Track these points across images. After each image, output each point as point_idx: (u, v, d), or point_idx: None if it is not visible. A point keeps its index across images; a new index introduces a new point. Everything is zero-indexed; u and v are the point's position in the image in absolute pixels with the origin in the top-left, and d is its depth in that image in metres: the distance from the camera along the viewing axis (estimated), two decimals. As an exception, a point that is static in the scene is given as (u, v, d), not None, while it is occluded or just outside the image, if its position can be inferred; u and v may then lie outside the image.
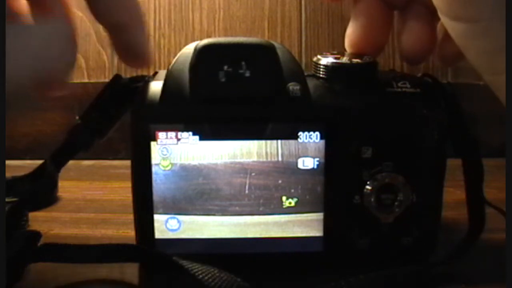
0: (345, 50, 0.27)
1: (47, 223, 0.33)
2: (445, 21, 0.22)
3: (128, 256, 0.26)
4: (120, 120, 0.29)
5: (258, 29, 0.46)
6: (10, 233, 0.25)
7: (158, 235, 0.26)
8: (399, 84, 0.26)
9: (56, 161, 0.28)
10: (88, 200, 0.37)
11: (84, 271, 0.26)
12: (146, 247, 0.26)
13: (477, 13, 0.21)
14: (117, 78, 0.28)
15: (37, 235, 0.26)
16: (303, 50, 0.46)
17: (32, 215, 0.31)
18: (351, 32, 0.27)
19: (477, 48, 0.22)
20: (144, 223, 0.25)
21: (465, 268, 0.26)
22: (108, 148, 0.45)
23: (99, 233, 0.32)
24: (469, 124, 0.26)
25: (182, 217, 0.26)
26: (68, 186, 0.39)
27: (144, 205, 0.25)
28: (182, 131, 0.25)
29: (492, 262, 0.26)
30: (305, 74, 0.26)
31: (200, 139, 0.25)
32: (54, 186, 0.36)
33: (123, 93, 0.27)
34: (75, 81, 0.46)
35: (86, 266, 0.26)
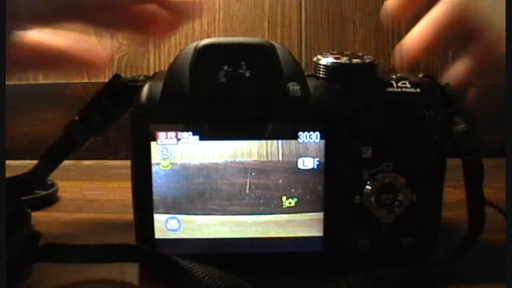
0: (345, 50, 0.27)
1: (47, 223, 0.33)
2: None
3: (128, 256, 0.26)
4: (120, 120, 0.29)
5: (258, 29, 0.46)
6: (13, 233, 0.25)
7: (158, 235, 0.26)
8: (399, 84, 0.25)
9: (51, 155, 0.28)
10: (88, 200, 0.37)
11: (84, 271, 0.26)
12: (146, 247, 0.26)
13: None
14: (116, 77, 0.28)
15: (37, 235, 0.26)
16: (303, 50, 0.46)
17: (32, 215, 0.31)
18: None
19: None
20: (144, 223, 0.25)
21: (465, 268, 0.26)
22: (108, 148, 0.45)
23: (99, 233, 0.32)
24: (469, 124, 0.26)
25: (182, 217, 0.26)
26: (68, 186, 0.39)
27: (144, 205, 0.25)
28: (182, 131, 0.25)
29: (492, 262, 0.26)
30: (305, 74, 0.25)
31: (200, 139, 0.25)
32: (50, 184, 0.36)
33: (122, 92, 0.27)
34: (75, 81, 0.46)
35: (86, 266, 0.26)
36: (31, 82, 0.46)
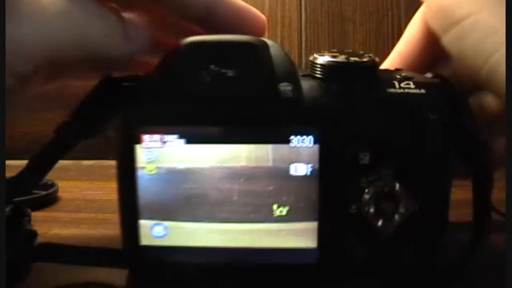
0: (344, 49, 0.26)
1: (47, 223, 0.33)
2: (446, 38, 0.26)
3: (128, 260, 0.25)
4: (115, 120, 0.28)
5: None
6: (13, 233, 0.25)
7: (143, 241, 0.25)
8: (402, 85, 0.24)
9: (43, 157, 0.27)
10: (88, 200, 0.37)
11: (84, 271, 0.26)
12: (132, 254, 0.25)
13: (466, 9, 0.24)
14: (106, 77, 0.27)
15: (33, 234, 0.26)
16: (303, 50, 0.46)
17: (32, 215, 0.30)
18: None
19: (473, 40, 0.24)
20: (129, 229, 0.25)
21: (465, 268, 0.25)
22: (108, 148, 0.44)
23: (99, 233, 0.32)
24: (478, 128, 0.24)
25: (168, 223, 0.25)
26: (68, 186, 0.39)
27: (129, 210, 0.24)
28: (167, 133, 0.24)
29: (492, 262, 0.24)
30: (302, 74, 0.24)
31: (186, 142, 0.24)
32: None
33: (112, 92, 0.26)
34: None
35: (86, 266, 0.26)
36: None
